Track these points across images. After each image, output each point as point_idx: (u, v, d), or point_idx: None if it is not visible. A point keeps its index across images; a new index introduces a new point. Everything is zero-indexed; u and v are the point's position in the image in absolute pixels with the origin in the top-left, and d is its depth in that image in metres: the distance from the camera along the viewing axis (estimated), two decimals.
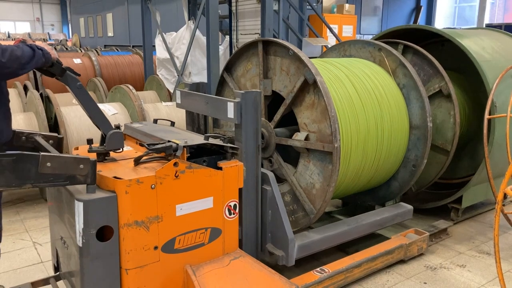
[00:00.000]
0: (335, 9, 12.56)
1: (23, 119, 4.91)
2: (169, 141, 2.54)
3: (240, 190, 2.80)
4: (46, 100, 5.24)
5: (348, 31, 11.62)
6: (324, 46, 9.52)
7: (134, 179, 2.30)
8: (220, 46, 7.10)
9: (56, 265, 2.90)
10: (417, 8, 21.59)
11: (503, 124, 3.89)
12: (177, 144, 2.49)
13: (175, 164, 2.42)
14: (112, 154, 2.66)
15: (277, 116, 3.38)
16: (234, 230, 2.78)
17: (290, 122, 3.49)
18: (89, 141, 2.63)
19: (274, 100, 3.54)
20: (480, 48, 4.21)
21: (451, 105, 3.98)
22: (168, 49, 7.57)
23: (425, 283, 3.41)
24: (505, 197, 2.44)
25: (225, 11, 8.11)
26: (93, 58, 9.10)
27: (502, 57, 4.31)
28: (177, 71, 7.41)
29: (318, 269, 3.21)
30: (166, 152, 2.50)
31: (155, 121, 3.38)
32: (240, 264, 2.70)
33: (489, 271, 3.60)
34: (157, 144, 2.52)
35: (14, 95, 6.25)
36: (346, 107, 3.33)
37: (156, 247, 2.44)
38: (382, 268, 3.52)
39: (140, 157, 2.51)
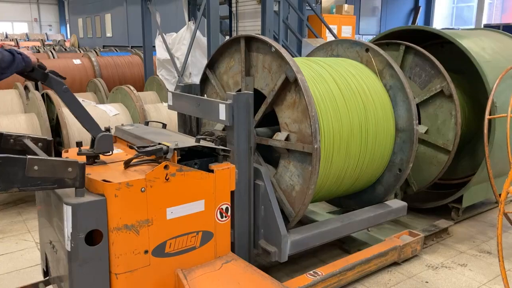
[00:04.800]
0: (334, 10, 12.63)
1: (25, 120, 4.90)
2: (159, 144, 2.48)
3: (232, 192, 2.74)
4: (48, 101, 5.24)
5: (347, 32, 11.65)
6: None
7: (123, 182, 2.26)
8: None
9: (45, 269, 2.84)
10: (416, 9, 21.66)
11: (504, 124, 3.92)
12: (168, 147, 2.44)
13: (166, 167, 2.38)
14: (102, 157, 2.61)
15: (258, 115, 3.26)
16: (226, 233, 2.73)
17: (272, 121, 3.35)
18: (79, 144, 2.59)
19: (256, 98, 3.39)
20: (480, 48, 4.23)
21: (452, 105, 4.00)
22: (169, 50, 7.58)
23: (426, 282, 3.43)
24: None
25: (225, 11, 8.13)
26: (93, 59, 9.08)
27: (502, 58, 4.33)
28: (177, 71, 7.42)
29: (311, 272, 3.17)
30: (157, 155, 2.44)
31: (147, 123, 3.31)
32: (232, 267, 2.66)
33: (490, 270, 3.63)
34: (147, 146, 2.47)
35: (15, 96, 6.25)
36: (329, 107, 3.21)
37: (146, 251, 2.40)
38: (376, 270, 3.49)
39: (130, 159, 2.47)
